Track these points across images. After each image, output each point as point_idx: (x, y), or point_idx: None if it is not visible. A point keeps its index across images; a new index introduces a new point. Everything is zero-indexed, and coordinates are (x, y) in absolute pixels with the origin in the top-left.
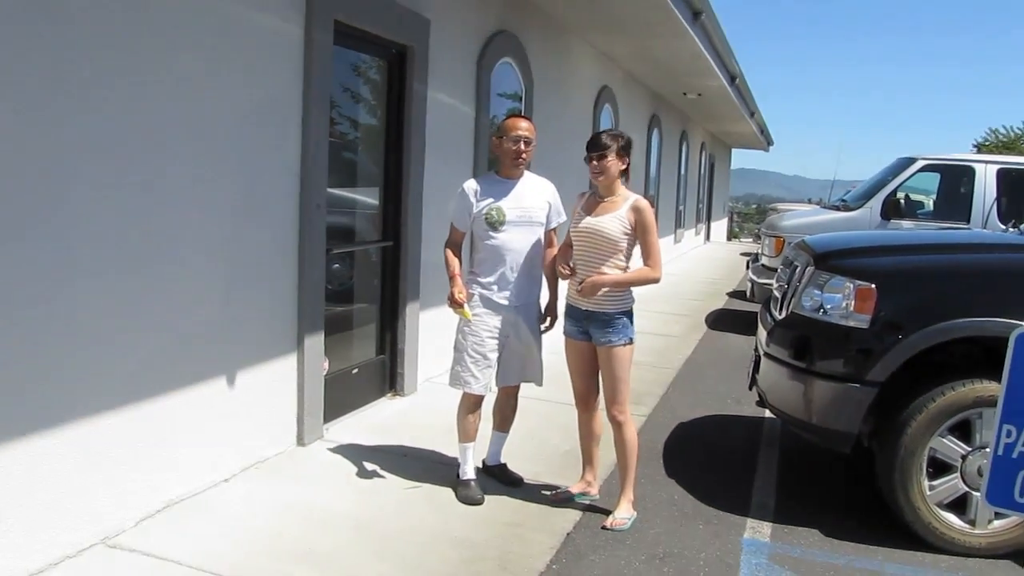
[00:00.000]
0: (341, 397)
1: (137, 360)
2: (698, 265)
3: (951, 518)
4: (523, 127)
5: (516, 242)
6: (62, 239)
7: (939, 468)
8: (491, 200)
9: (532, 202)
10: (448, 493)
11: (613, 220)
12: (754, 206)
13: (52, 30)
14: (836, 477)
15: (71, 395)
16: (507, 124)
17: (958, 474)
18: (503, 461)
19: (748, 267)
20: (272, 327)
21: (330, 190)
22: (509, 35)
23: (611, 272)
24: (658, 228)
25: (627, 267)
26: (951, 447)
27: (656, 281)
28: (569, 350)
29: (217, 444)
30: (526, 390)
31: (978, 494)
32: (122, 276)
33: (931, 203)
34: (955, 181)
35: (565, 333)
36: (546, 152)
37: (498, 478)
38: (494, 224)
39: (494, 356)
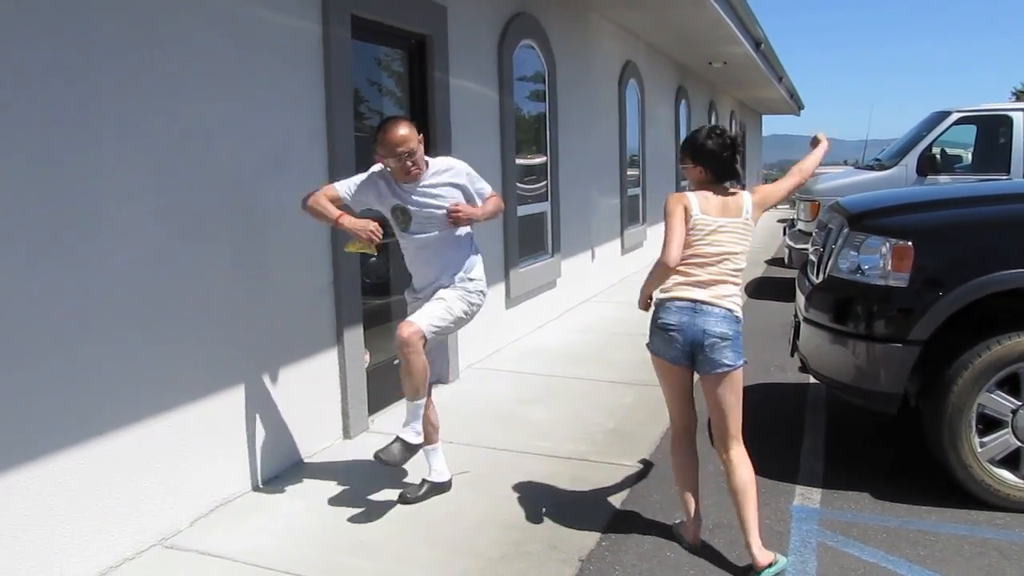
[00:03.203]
0: (384, 389)
1: (182, 365)
2: None
3: (1004, 474)
4: (399, 139)
5: (426, 240)
6: (101, 253)
7: (989, 424)
8: (397, 200)
9: (437, 200)
10: (496, 478)
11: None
12: None
13: (76, 38)
14: (884, 439)
15: (122, 402)
16: (384, 139)
17: (1009, 429)
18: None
19: (785, 233)
20: (311, 324)
21: None
22: (528, 16)
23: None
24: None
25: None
26: (1000, 402)
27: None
28: None
29: (264, 442)
30: (565, 368)
31: None
32: (164, 286)
33: (969, 156)
34: (993, 132)
35: None
36: (572, 133)
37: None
38: (402, 225)
39: None
